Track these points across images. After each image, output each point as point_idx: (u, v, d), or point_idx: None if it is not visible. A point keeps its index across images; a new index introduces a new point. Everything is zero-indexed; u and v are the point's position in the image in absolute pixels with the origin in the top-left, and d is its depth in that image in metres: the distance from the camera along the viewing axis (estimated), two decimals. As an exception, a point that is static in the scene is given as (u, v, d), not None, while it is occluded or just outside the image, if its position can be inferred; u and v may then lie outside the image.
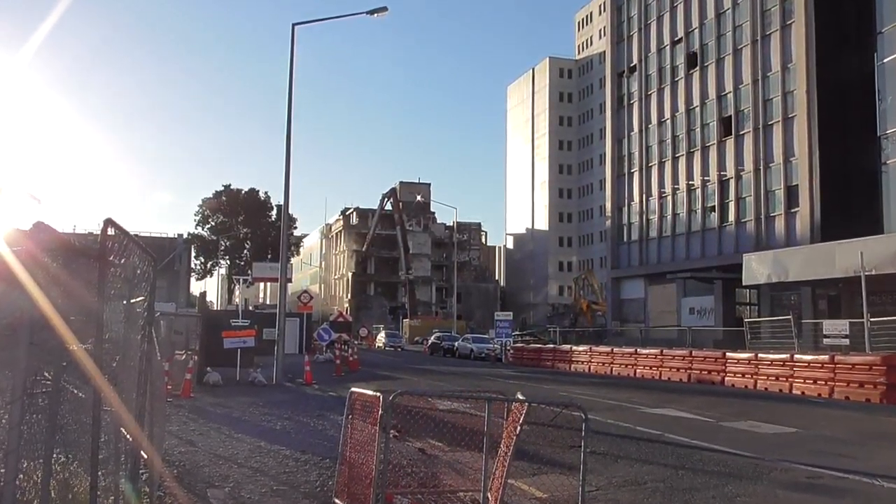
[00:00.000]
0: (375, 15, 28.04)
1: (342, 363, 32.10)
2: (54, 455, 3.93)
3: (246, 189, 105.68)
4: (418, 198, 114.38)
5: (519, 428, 6.73)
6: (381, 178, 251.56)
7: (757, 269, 38.67)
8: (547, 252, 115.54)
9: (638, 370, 32.59)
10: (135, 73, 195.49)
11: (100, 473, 4.64)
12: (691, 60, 52.97)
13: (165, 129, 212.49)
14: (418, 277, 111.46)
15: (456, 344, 55.38)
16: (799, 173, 43.28)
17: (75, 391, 4.29)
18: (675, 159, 53.76)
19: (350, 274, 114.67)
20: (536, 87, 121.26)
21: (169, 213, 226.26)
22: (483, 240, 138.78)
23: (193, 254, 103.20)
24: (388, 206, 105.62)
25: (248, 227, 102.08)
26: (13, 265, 3.81)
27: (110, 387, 4.53)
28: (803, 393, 23.37)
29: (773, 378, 25.05)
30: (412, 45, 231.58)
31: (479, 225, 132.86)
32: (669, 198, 53.99)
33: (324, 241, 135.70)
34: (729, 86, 49.11)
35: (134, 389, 5.76)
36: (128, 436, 5.67)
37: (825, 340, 26.81)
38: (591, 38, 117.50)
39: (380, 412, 6.72)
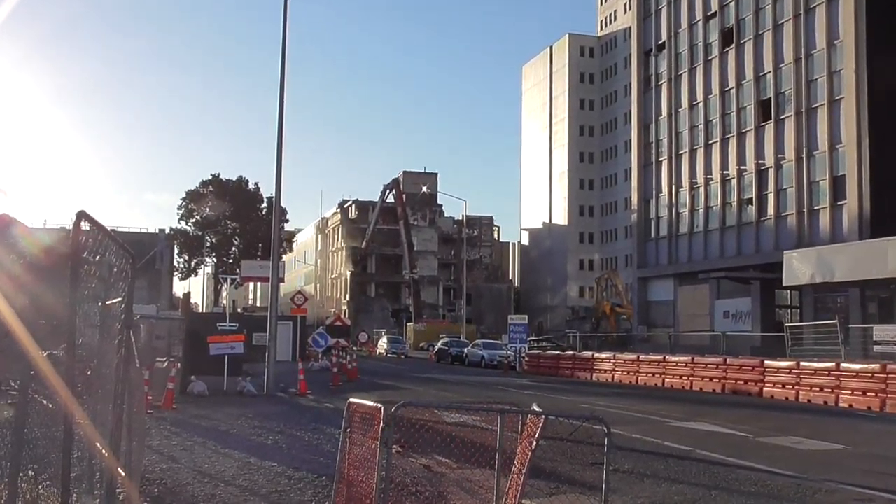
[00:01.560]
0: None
1: (339, 372, 32.10)
2: (21, 473, 3.93)
3: (234, 179, 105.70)
4: (424, 189, 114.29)
5: (535, 443, 6.71)
6: (383, 168, 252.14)
7: (799, 268, 38.53)
8: (566, 249, 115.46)
9: (666, 380, 32.50)
10: (110, 56, 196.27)
11: (72, 493, 4.64)
12: (726, 37, 52.80)
13: (146, 118, 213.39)
14: (423, 277, 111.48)
15: (465, 351, 55.34)
16: (846, 162, 43.10)
17: (45, 402, 4.30)
18: (707, 146, 53.61)
19: (348, 273, 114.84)
20: (554, 66, 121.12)
21: (150, 208, 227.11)
22: (495, 235, 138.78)
23: (176, 251, 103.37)
24: (391, 199, 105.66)
25: (236, 222, 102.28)
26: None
27: (74, 401, 4.53)
28: (851, 406, 23.28)
29: (817, 389, 24.96)
30: (415, 21, 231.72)
31: (490, 219, 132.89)
32: (702, 189, 53.85)
33: (319, 236, 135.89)
34: (768, 65, 48.94)
35: (110, 400, 5.77)
36: (103, 451, 5.68)
37: (875, 347, 26.73)
38: (614, 12, 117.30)
39: (381, 425, 6.71)
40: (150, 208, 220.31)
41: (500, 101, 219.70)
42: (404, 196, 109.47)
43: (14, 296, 3.83)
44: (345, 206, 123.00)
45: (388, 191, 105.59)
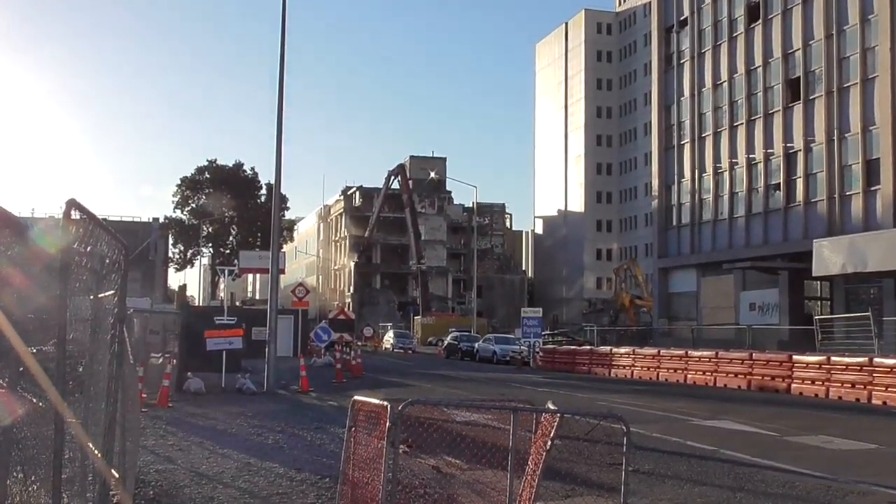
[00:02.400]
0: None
1: (343, 368, 32.20)
2: (10, 475, 3.96)
3: (231, 165, 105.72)
4: (432, 175, 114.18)
5: (550, 443, 6.73)
6: (389, 152, 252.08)
7: (829, 257, 38.38)
8: (582, 238, 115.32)
9: (689, 375, 32.51)
10: (100, 36, 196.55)
11: (63, 495, 4.68)
12: (752, 12, 52.52)
13: (139, 102, 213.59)
14: (431, 268, 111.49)
15: (476, 345, 55.44)
16: (880, 144, 42.87)
17: (35, 400, 4.32)
18: (732, 129, 53.41)
19: (352, 264, 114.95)
20: (570, 44, 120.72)
21: (144, 197, 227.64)
22: (507, 224, 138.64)
23: (171, 241, 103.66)
24: (396, 186, 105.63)
25: (234, 210, 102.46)
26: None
27: (65, 399, 4.55)
28: (885, 403, 23.24)
29: (849, 385, 24.92)
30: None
31: (502, 206, 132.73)
32: (726, 174, 53.67)
33: (321, 225, 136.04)
34: (797, 42, 48.67)
35: (103, 398, 5.80)
36: (96, 452, 5.71)
37: (911, 341, 26.64)
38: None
39: (387, 424, 6.73)
40: (144, 197, 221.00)
41: (513, 82, 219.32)
42: (411, 182, 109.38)
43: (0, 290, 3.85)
44: (348, 192, 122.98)
45: (392, 177, 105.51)
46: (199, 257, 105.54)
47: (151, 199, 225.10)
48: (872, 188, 43.32)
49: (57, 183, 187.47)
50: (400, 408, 6.66)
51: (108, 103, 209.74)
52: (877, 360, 24.53)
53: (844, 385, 25.07)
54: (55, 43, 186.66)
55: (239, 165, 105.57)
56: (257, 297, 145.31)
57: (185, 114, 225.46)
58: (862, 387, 24.35)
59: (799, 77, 48.31)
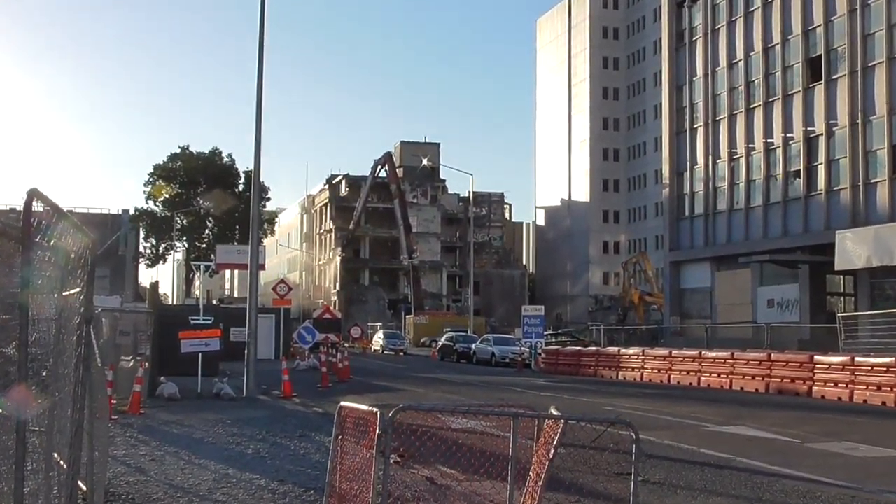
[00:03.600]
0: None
1: (329, 371, 32.18)
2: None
3: (207, 152, 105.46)
4: (424, 162, 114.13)
5: (553, 451, 6.73)
6: (378, 137, 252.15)
7: (853, 249, 38.42)
8: (588, 230, 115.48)
9: (702, 378, 32.56)
10: (64, 12, 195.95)
11: (27, 509, 4.66)
12: (770, -15, 52.49)
13: (108, 86, 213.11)
14: (424, 263, 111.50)
15: (473, 346, 55.49)
16: (908, 128, 42.90)
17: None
18: (749, 111, 53.43)
19: (338, 259, 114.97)
20: (574, 20, 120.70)
21: (112, 187, 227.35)
22: (507, 215, 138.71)
23: (143, 234, 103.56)
24: (385, 174, 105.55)
25: (210, 201, 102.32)
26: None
27: (28, 406, 4.54)
28: (912, 406, 23.31)
29: (874, 388, 24.97)
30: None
31: (501, 196, 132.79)
32: (742, 160, 53.71)
33: (305, 217, 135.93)
34: (818, 18, 48.68)
35: (69, 405, 5.79)
36: (62, 462, 5.71)
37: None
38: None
39: (377, 432, 6.74)
40: (113, 187, 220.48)
41: (512, 61, 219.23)
42: (401, 171, 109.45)
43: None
44: (334, 181, 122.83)
45: (379, 167, 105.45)
46: (172, 252, 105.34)
47: (121, 190, 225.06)
48: (900, 175, 43.37)
49: (18, 172, 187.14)
50: (391, 414, 6.66)
51: (75, 88, 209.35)
52: (905, 360, 24.59)
53: (870, 387, 25.12)
54: (19, 25, 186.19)
55: (215, 152, 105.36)
56: (236, 294, 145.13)
57: (160, 99, 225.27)
58: (888, 389, 24.40)
59: (820, 55, 48.31)
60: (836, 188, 46.97)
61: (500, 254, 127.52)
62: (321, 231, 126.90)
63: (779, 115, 50.92)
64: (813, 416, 21.55)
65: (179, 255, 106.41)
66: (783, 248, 49.13)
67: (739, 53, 54.56)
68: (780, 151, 50.80)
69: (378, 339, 74.32)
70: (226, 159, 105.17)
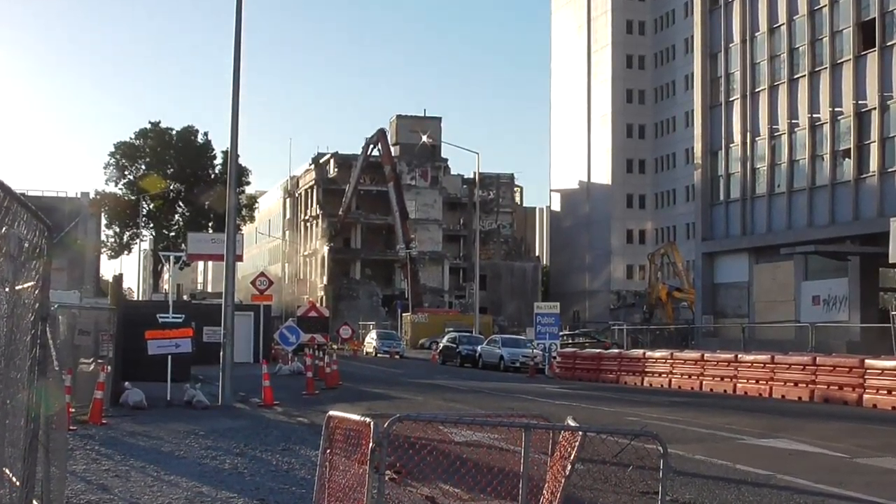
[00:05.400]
0: None
1: (315, 376, 32.21)
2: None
3: (179, 128, 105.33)
4: (424, 138, 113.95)
5: (570, 467, 6.75)
6: (371, 112, 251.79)
7: (911, 239, 38.30)
8: (609, 216, 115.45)
9: (739, 384, 32.60)
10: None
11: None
12: (817, -62, 52.37)
13: (71, 53, 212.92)
14: (423, 253, 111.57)
15: (478, 349, 55.51)
16: (973, 101, 42.84)
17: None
18: (792, 82, 53.35)
19: (326, 249, 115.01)
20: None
21: (71, 167, 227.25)
22: (517, 199, 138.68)
23: (104, 221, 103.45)
24: (377, 153, 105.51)
25: (181, 183, 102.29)
26: None
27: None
28: (977, 417, 23.32)
29: (934, 396, 24.98)
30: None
31: (511, 178, 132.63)
32: (784, 137, 53.65)
33: (288, 201, 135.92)
34: (872, -25, 48.56)
35: (22, 413, 5.80)
36: (14, 479, 5.72)
37: None
38: None
39: (371, 445, 6.74)
40: (71, 168, 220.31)
41: (523, 25, 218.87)
42: (398, 148, 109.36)
43: None
44: (320, 161, 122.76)
45: (371, 146, 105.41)
46: (138, 241, 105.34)
47: (81, 171, 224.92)
48: (964, 155, 43.35)
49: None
50: (386, 425, 6.67)
51: (27, 54, 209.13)
52: (968, 365, 24.61)
53: (929, 396, 25.15)
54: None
55: (189, 130, 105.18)
56: (209, 289, 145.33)
57: (126, 69, 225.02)
58: (950, 398, 24.43)
59: (873, 19, 48.20)
60: (890, 170, 46.91)
61: (509, 243, 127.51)
62: (306, 217, 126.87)
63: (826, 87, 50.82)
64: (864, 427, 21.55)
65: (146, 245, 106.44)
66: (830, 238, 49.07)
67: (782, 16, 54.45)
68: (827, 128, 50.72)
69: (371, 341, 74.31)
70: (201, 138, 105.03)
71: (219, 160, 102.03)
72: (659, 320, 75.41)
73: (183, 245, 73.18)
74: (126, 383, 24.34)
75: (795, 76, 53.13)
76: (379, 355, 68.92)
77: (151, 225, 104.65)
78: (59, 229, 78.19)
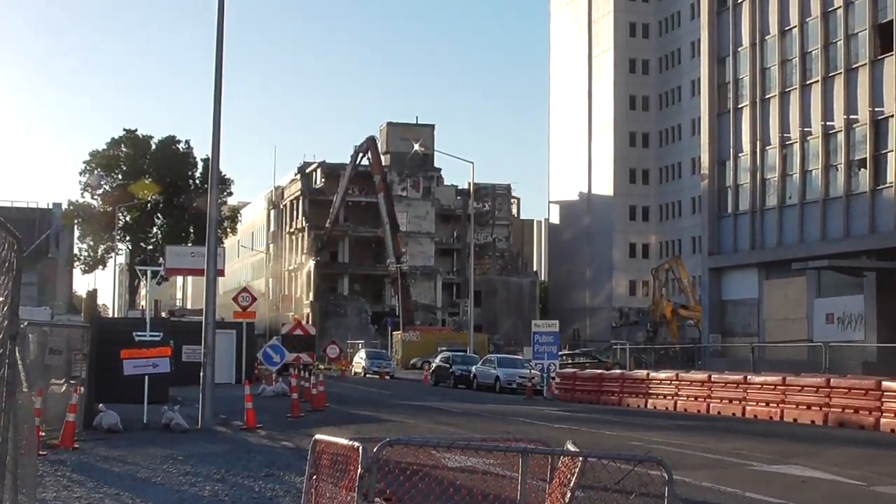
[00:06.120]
0: None
1: (301, 398, 32.16)
2: None
3: (158, 137, 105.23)
4: (416, 147, 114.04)
5: (569, 494, 6.73)
6: (360, 119, 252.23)
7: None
8: (611, 229, 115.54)
9: (748, 407, 32.58)
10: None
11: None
12: (830, -63, 52.57)
13: (47, 60, 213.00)
14: (415, 268, 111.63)
15: (473, 369, 55.49)
16: None
17: None
18: (804, 88, 53.48)
19: (312, 263, 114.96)
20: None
21: (44, 178, 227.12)
22: (514, 211, 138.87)
23: (77, 233, 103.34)
24: (367, 162, 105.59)
25: (159, 194, 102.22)
26: None
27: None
28: None
29: (954, 419, 24.97)
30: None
31: (507, 188, 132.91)
32: (796, 146, 53.76)
33: (272, 213, 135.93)
34: (888, -25, 48.75)
35: (-11, 437, 5.78)
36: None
37: None
38: None
39: (359, 471, 6.73)
40: (44, 177, 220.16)
41: (521, 27, 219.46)
42: (388, 157, 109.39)
43: None
44: (307, 170, 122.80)
45: (360, 154, 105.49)
46: (113, 255, 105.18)
47: (53, 181, 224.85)
48: (985, 165, 43.48)
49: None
50: (375, 449, 6.66)
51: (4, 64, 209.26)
52: None
53: (949, 419, 25.15)
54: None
55: (169, 138, 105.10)
56: (189, 306, 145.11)
57: (104, 75, 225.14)
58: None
59: (891, 21, 48.37)
60: (908, 180, 47.04)
61: (505, 258, 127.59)
62: (291, 230, 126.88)
63: (840, 93, 50.95)
64: (881, 453, 21.55)
65: (122, 259, 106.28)
66: (845, 253, 49.12)
67: (794, 18, 54.62)
68: (841, 136, 50.83)
69: (359, 360, 74.29)
70: (181, 147, 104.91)
71: (200, 169, 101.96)
72: (663, 339, 75.48)
73: (161, 259, 72.96)
74: (100, 405, 24.27)
75: (808, 82, 53.25)
76: (368, 376, 68.91)
77: (128, 238, 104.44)
78: (30, 242, 78.20)
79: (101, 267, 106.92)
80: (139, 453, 19.51)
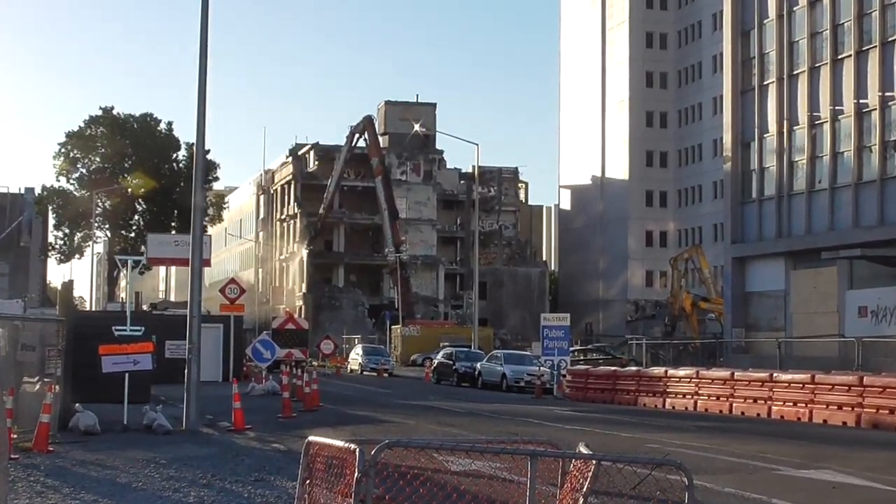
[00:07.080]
0: None
1: (293, 397, 32.20)
2: None
3: (137, 114, 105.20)
4: (416, 128, 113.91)
5: (581, 500, 6.73)
6: (357, 98, 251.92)
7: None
8: (626, 216, 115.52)
9: (774, 407, 32.57)
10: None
11: None
12: None
13: (22, 37, 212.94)
14: (416, 258, 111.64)
15: (478, 366, 55.53)
16: None
17: None
18: (835, 63, 53.40)
19: (305, 252, 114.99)
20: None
21: (16, 161, 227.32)
22: (522, 196, 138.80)
23: (53, 220, 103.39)
24: (363, 144, 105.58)
25: (140, 177, 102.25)
26: None
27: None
28: None
29: None
30: None
31: (515, 172, 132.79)
32: (826, 126, 53.70)
33: (262, 198, 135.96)
34: (926, -58, 48.66)
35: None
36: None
37: None
38: None
39: (356, 475, 6.72)
40: (15, 160, 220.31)
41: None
42: (386, 139, 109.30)
43: None
44: (299, 153, 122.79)
45: (357, 135, 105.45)
46: (91, 243, 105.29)
47: (26, 164, 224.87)
48: None
49: None
50: (373, 452, 6.65)
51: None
52: None
53: None
54: None
55: (148, 117, 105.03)
56: (173, 298, 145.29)
57: (80, 51, 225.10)
58: None
59: (928, -9, 48.31)
60: (947, 163, 47.02)
61: (512, 246, 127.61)
62: (282, 217, 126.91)
63: (875, 69, 50.87)
64: (917, 456, 21.58)
65: (100, 248, 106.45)
66: (879, 241, 49.09)
67: (823, -11, 54.53)
68: (875, 115, 50.77)
69: (356, 357, 74.38)
70: (163, 128, 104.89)
71: (183, 152, 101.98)
72: (682, 334, 75.47)
73: (142, 248, 73.12)
74: (77, 405, 24.26)
75: (840, 56, 53.15)
76: (365, 373, 69.00)
77: (107, 225, 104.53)
78: (0, 230, 78.27)
79: (77, 256, 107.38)
80: (119, 457, 19.52)
